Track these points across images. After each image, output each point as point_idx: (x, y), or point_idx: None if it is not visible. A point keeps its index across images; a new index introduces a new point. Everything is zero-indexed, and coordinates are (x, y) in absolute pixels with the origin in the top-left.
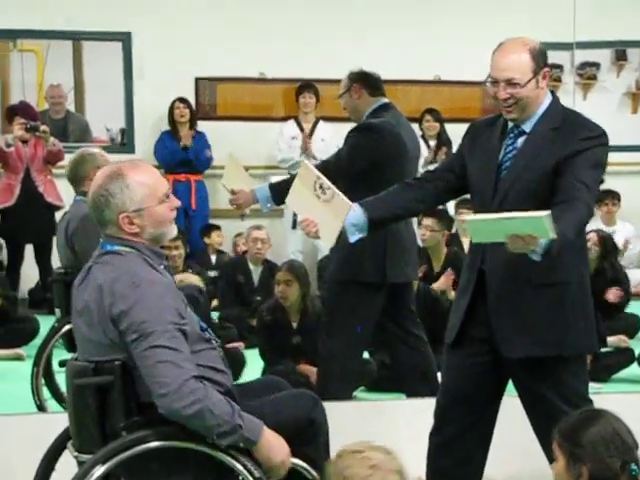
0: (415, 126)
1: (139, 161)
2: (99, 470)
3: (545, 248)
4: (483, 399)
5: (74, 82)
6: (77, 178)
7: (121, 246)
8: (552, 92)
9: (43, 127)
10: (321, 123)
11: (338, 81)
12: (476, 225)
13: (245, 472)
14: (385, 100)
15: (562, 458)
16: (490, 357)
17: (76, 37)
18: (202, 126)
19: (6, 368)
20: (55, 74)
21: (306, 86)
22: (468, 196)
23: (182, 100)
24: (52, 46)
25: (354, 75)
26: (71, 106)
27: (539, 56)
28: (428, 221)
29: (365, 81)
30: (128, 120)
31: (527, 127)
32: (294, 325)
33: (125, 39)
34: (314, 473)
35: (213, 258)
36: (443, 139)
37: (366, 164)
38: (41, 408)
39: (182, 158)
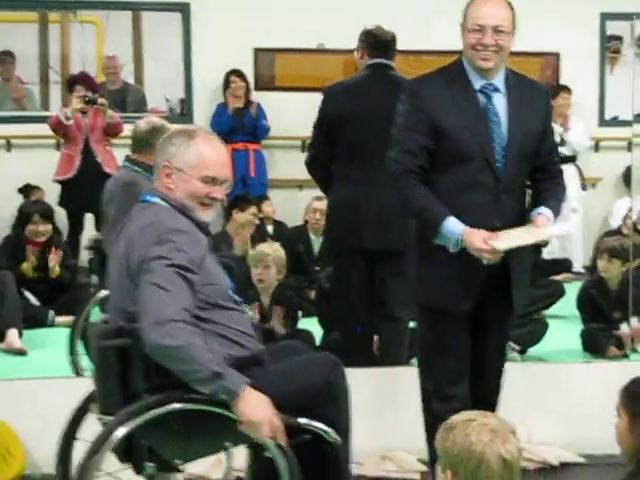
0: None
1: (217, 139)
2: (121, 431)
3: None
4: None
5: (133, 53)
6: (142, 144)
7: (158, 198)
8: None
9: (101, 100)
10: None
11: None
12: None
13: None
14: (375, 60)
15: (625, 417)
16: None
17: (135, 7)
18: (260, 97)
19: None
20: (114, 45)
21: None
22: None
23: (237, 72)
24: (111, 17)
25: (361, 35)
26: (130, 77)
27: (514, 17)
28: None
29: (366, 41)
30: (187, 90)
31: (498, 83)
32: None
33: (184, 9)
34: (334, 435)
35: (270, 229)
36: None
37: (323, 129)
38: (77, 372)
39: (238, 128)
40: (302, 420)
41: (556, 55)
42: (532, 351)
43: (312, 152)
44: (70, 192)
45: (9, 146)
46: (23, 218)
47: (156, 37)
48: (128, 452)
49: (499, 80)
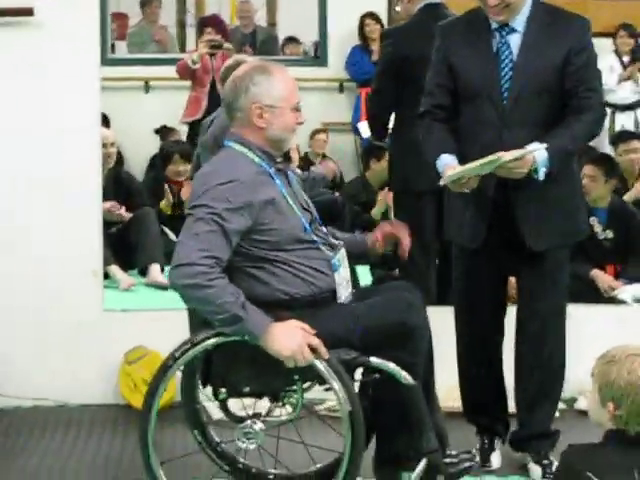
0: (609, 42)
1: (283, 67)
2: (173, 367)
3: (546, 165)
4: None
5: None
6: None
7: (236, 143)
8: None
9: (226, 44)
10: None
11: None
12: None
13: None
14: (426, 1)
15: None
16: (498, 260)
17: None
18: None
19: None
20: None
21: None
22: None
23: (372, 15)
24: None
25: None
26: (262, 21)
27: None
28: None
29: None
30: (322, 33)
31: (518, 25)
32: None
33: None
34: (409, 378)
35: None
36: (638, 55)
37: (392, 72)
38: None
39: (373, 72)
40: (373, 359)
41: None
42: None
43: (378, 94)
44: (198, 133)
45: (147, 87)
46: (164, 158)
47: None
48: (208, 377)
49: (519, 20)
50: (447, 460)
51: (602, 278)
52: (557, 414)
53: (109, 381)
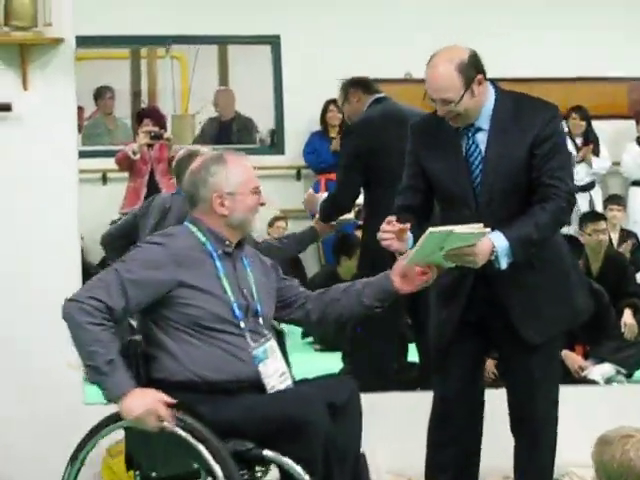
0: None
1: (238, 154)
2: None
3: (507, 254)
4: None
5: (218, 85)
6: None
7: (189, 222)
8: (492, 82)
9: (166, 134)
10: None
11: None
12: (434, 236)
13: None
14: (378, 95)
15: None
16: (481, 343)
17: (224, 41)
18: None
19: None
20: (200, 80)
21: None
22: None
23: (335, 102)
24: (198, 52)
25: (346, 82)
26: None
27: (468, 68)
28: None
29: (358, 84)
30: (278, 122)
31: (483, 123)
32: None
33: (274, 42)
34: (301, 473)
35: None
36: (590, 137)
37: (359, 165)
38: None
39: (332, 160)
40: (267, 452)
41: None
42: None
43: (345, 186)
44: None
45: (105, 179)
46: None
47: (243, 70)
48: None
49: (484, 118)
50: None
51: (572, 358)
52: None
53: (91, 476)
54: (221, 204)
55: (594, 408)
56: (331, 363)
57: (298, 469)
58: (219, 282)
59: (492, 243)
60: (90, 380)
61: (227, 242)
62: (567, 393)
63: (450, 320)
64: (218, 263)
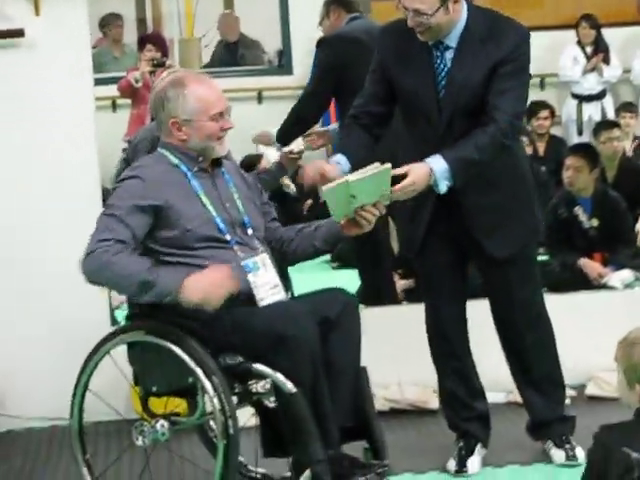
0: (571, 33)
1: (205, 76)
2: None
3: (447, 177)
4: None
5: (224, 9)
6: None
7: (161, 147)
8: (466, 1)
9: (169, 62)
10: None
11: None
12: (333, 191)
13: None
14: (355, 14)
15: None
16: (454, 253)
17: None
18: None
19: None
20: (205, 2)
21: None
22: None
23: None
24: None
25: (327, 4)
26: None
27: None
28: (572, 160)
29: (340, 2)
30: (285, 42)
31: (451, 41)
32: None
33: None
34: (288, 384)
35: None
36: (600, 45)
37: (330, 78)
38: None
39: None
40: (256, 365)
41: None
42: None
43: (313, 96)
44: None
45: (114, 106)
46: None
47: None
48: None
49: (453, 36)
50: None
51: (591, 266)
52: (568, 401)
53: (120, 396)
54: (178, 129)
55: (615, 313)
56: (348, 280)
57: (285, 381)
58: (199, 200)
59: (429, 167)
60: (145, 299)
61: (200, 158)
62: (587, 300)
63: (416, 233)
64: (194, 182)
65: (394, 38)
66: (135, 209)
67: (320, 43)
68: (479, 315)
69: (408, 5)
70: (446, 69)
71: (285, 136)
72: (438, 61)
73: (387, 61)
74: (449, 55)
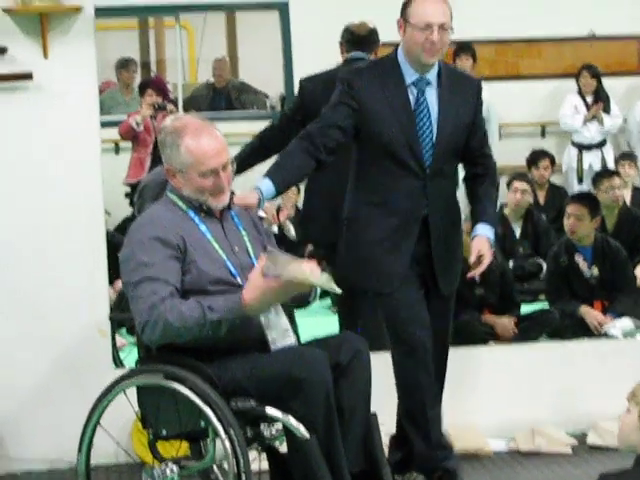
0: (572, 82)
1: (208, 125)
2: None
3: (494, 233)
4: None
5: (227, 54)
6: None
7: (169, 192)
8: None
9: (170, 106)
10: None
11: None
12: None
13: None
14: (352, 54)
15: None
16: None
17: (232, 8)
18: None
19: None
20: (208, 48)
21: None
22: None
23: None
24: (205, 21)
25: (342, 32)
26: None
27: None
28: (573, 208)
29: (344, 37)
30: (288, 87)
31: (431, 77)
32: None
33: (282, 7)
34: (302, 430)
35: None
36: (600, 94)
37: (299, 119)
38: None
39: None
40: (269, 410)
41: None
42: None
43: (274, 129)
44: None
45: (117, 149)
46: None
47: (251, 37)
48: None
49: (432, 74)
50: None
51: (591, 314)
52: (569, 451)
53: (121, 439)
54: (173, 176)
55: (616, 362)
56: None
57: (299, 426)
58: (210, 244)
59: (486, 237)
60: (223, 333)
61: (203, 206)
62: (589, 348)
63: (395, 266)
64: (203, 226)
65: (369, 76)
66: (166, 256)
67: (300, 82)
68: (478, 361)
69: (435, 21)
70: (428, 109)
71: (241, 160)
72: (420, 98)
73: (363, 94)
74: (430, 91)
